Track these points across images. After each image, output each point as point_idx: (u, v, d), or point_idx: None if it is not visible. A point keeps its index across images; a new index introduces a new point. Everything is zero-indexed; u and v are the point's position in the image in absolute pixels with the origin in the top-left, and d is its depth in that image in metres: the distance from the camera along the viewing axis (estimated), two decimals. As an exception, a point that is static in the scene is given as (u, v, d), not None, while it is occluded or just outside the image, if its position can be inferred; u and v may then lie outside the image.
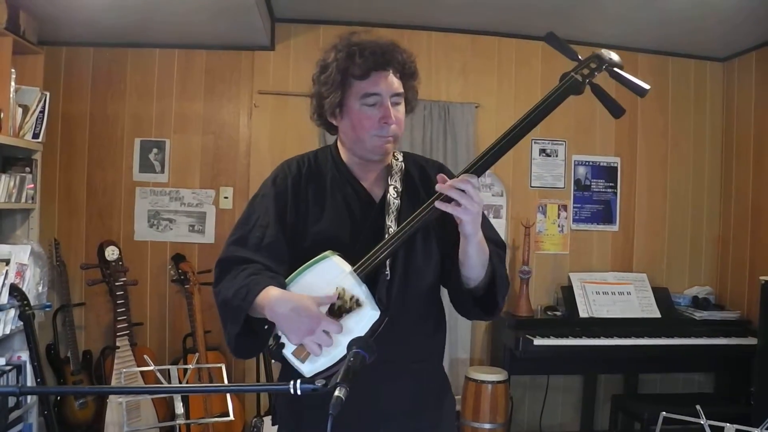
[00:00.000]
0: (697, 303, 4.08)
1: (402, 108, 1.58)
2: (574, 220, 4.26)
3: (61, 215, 3.95)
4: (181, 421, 2.70)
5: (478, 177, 1.40)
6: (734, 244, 4.23)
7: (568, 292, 3.98)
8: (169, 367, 2.81)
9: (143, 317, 3.97)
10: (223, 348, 4.00)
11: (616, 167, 4.30)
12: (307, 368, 1.36)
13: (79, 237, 3.96)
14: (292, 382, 1.08)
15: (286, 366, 1.47)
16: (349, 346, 1.20)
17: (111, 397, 3.47)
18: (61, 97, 3.89)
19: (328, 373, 1.32)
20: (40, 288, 3.29)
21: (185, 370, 2.74)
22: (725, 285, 4.28)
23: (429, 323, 1.62)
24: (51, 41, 3.76)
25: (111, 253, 3.71)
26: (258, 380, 3.86)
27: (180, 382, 2.90)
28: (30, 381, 3.08)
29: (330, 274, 1.40)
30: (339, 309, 1.36)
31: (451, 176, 1.46)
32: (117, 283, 3.66)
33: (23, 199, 3.31)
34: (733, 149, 4.26)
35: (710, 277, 4.36)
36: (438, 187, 1.38)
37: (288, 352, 1.39)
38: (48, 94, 3.42)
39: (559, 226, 4.24)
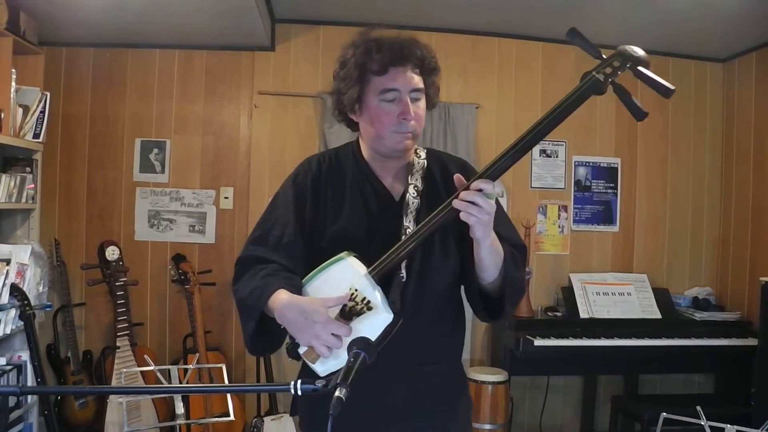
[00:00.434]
0: (698, 304, 4.08)
1: (422, 104, 1.57)
2: (575, 221, 4.26)
3: (62, 215, 3.95)
4: (181, 421, 2.70)
5: (494, 181, 1.38)
6: (734, 244, 4.23)
7: (568, 292, 3.98)
8: (170, 367, 2.81)
9: (143, 317, 3.97)
10: (223, 348, 4.00)
11: (617, 168, 4.30)
12: (320, 368, 1.36)
13: (79, 237, 3.96)
14: (292, 383, 1.08)
15: (304, 363, 1.47)
16: (350, 347, 1.20)
17: (111, 397, 3.47)
18: (61, 97, 3.89)
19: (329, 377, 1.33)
20: (41, 288, 3.29)
21: (185, 370, 2.74)
22: (725, 286, 4.28)
23: (445, 324, 1.61)
24: (51, 42, 3.76)
25: (111, 253, 3.71)
26: (258, 380, 3.86)
27: (180, 382, 2.90)
28: (30, 381, 3.08)
29: (345, 276, 1.40)
30: (350, 311, 1.36)
31: (470, 177, 1.43)
32: (117, 284, 3.66)
33: (24, 199, 3.32)
34: (734, 150, 4.26)
35: (710, 277, 4.36)
36: (455, 203, 1.37)
37: (302, 351, 1.40)
38: (48, 94, 3.42)
39: (559, 226, 4.24)
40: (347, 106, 1.57)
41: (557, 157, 4.23)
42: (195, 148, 4.06)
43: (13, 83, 3.14)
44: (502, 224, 1.51)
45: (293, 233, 1.54)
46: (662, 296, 4.02)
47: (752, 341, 3.64)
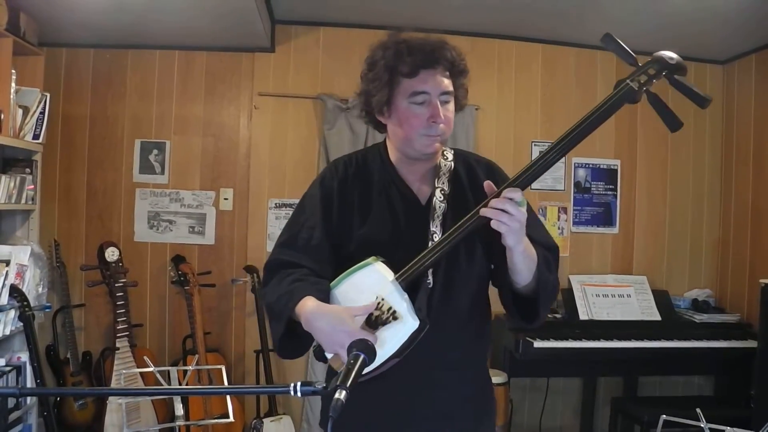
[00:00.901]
0: (697, 306, 4.08)
1: (451, 107, 1.56)
2: (574, 223, 4.26)
3: (61, 216, 3.95)
4: (180, 422, 2.70)
5: (522, 189, 1.38)
6: (734, 246, 4.23)
7: (568, 294, 3.97)
8: (169, 368, 2.81)
9: (143, 318, 3.97)
10: (222, 349, 4.00)
11: (616, 170, 4.30)
12: None
13: (79, 238, 3.96)
14: (292, 385, 1.08)
15: (330, 366, 1.48)
16: (349, 349, 1.20)
17: (111, 398, 3.47)
18: (61, 98, 3.89)
19: (363, 379, 1.33)
20: (40, 289, 3.29)
21: (185, 371, 2.74)
22: (725, 288, 4.28)
23: (471, 330, 1.60)
24: (51, 42, 3.76)
25: (111, 254, 3.71)
26: (257, 382, 3.86)
27: (180, 384, 2.90)
28: (30, 382, 3.08)
29: (372, 281, 1.40)
30: (376, 320, 1.36)
31: (498, 180, 1.43)
32: (117, 285, 3.66)
33: (23, 200, 3.32)
34: (733, 151, 4.26)
35: (710, 279, 4.36)
36: (482, 212, 1.37)
37: (329, 356, 1.41)
38: (48, 95, 3.42)
39: (559, 228, 4.24)
40: (375, 107, 1.57)
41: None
42: (195, 150, 4.06)
43: (13, 84, 3.14)
44: (533, 227, 1.49)
45: (321, 236, 1.54)
46: (662, 298, 4.02)
47: (752, 343, 3.64)
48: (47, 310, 3.33)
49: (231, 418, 2.73)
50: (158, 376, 2.55)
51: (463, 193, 1.59)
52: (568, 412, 4.24)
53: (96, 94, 3.98)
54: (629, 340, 3.67)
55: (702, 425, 2.16)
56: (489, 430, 1.67)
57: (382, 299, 1.36)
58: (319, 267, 1.51)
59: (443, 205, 1.55)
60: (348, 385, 1.06)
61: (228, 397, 2.85)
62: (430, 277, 1.49)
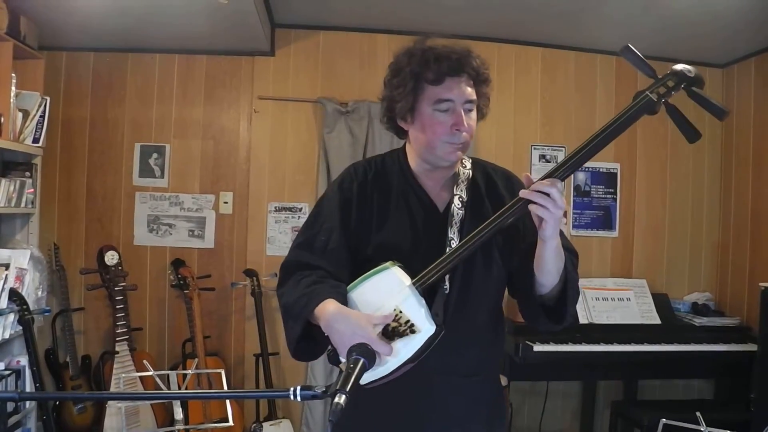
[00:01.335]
0: (697, 309, 4.07)
1: (474, 115, 1.57)
2: (574, 226, 4.26)
3: (61, 220, 3.95)
4: (180, 426, 2.70)
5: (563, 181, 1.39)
6: (734, 250, 4.23)
7: (567, 297, 3.96)
8: (169, 372, 2.81)
9: (142, 322, 3.96)
10: (222, 353, 4.00)
11: (616, 173, 4.30)
12: None
13: (78, 242, 3.96)
14: (292, 389, 1.08)
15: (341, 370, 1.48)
16: (349, 352, 1.20)
17: (110, 402, 3.46)
18: (61, 101, 3.89)
19: (370, 386, 1.34)
20: (40, 292, 3.29)
21: (184, 375, 2.74)
22: (725, 291, 4.28)
23: (486, 336, 1.61)
24: (51, 46, 3.77)
25: (110, 257, 3.71)
26: (257, 386, 3.86)
27: (179, 388, 2.89)
28: (29, 386, 3.08)
29: (389, 286, 1.40)
30: (393, 331, 1.36)
31: (516, 189, 1.43)
32: (116, 288, 3.66)
33: (23, 204, 3.32)
34: (733, 155, 4.26)
35: (710, 283, 4.36)
36: (522, 192, 1.37)
37: (342, 360, 1.40)
38: (48, 98, 3.42)
39: (558, 231, 4.23)
40: (398, 113, 1.57)
41: (557, 162, 4.23)
42: (194, 153, 4.06)
43: (13, 88, 3.14)
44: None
45: (338, 240, 1.55)
46: (661, 301, 4.01)
47: (752, 347, 3.64)
48: (46, 313, 3.33)
49: (230, 422, 2.72)
50: (158, 379, 2.55)
51: (481, 201, 1.60)
52: (568, 416, 4.23)
53: (96, 98, 3.99)
54: (629, 343, 3.66)
55: (702, 429, 2.16)
56: None
57: (400, 312, 1.36)
58: (335, 270, 1.51)
59: (461, 212, 1.56)
60: (348, 389, 1.06)
61: (227, 401, 2.85)
62: (447, 283, 1.49)
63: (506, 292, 1.68)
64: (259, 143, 4.08)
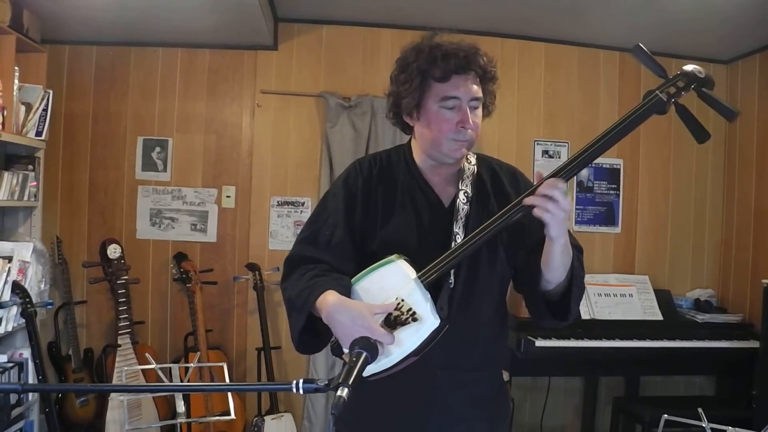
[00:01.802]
0: (699, 305, 4.07)
1: (479, 112, 1.57)
2: (577, 222, 4.25)
3: (64, 213, 3.95)
4: (182, 419, 2.70)
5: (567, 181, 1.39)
6: (737, 246, 4.22)
7: (570, 293, 3.96)
8: (171, 365, 2.81)
9: (145, 316, 3.97)
10: (224, 347, 4.01)
11: (619, 169, 4.29)
12: None
13: (81, 235, 3.96)
14: (294, 382, 1.08)
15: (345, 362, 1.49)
16: (352, 346, 1.20)
17: (112, 395, 3.47)
18: (64, 95, 3.89)
19: (374, 379, 1.33)
20: (42, 286, 3.30)
21: (186, 368, 2.74)
22: (727, 288, 4.27)
23: (490, 332, 1.61)
24: (54, 39, 3.77)
25: (113, 251, 3.71)
26: (259, 379, 3.87)
27: (181, 381, 2.90)
28: (32, 378, 3.09)
29: (394, 279, 1.40)
30: (395, 320, 1.36)
31: (522, 185, 1.44)
32: (119, 282, 3.66)
33: (26, 197, 3.32)
34: (736, 151, 4.25)
35: (712, 279, 4.35)
36: (528, 200, 1.37)
37: (345, 351, 1.40)
38: (51, 92, 3.42)
39: (561, 227, 4.22)
40: (404, 110, 1.57)
41: (560, 158, 4.22)
42: (197, 147, 4.06)
43: (16, 81, 3.14)
44: None
45: (342, 234, 1.55)
46: (664, 298, 4.01)
47: (754, 343, 3.64)
48: (49, 306, 3.33)
49: (232, 416, 2.73)
50: (160, 373, 2.56)
51: (486, 197, 1.60)
52: (570, 412, 4.23)
53: (99, 92, 3.99)
54: (631, 339, 3.66)
55: (704, 425, 2.16)
56: (503, 430, 1.68)
57: (402, 300, 1.36)
58: (339, 264, 1.51)
59: (466, 207, 1.56)
60: (350, 382, 1.05)
61: (229, 395, 2.86)
62: (452, 278, 1.49)
63: (509, 288, 1.68)
64: (262, 137, 4.07)
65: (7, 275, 2.91)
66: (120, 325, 3.62)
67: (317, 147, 4.04)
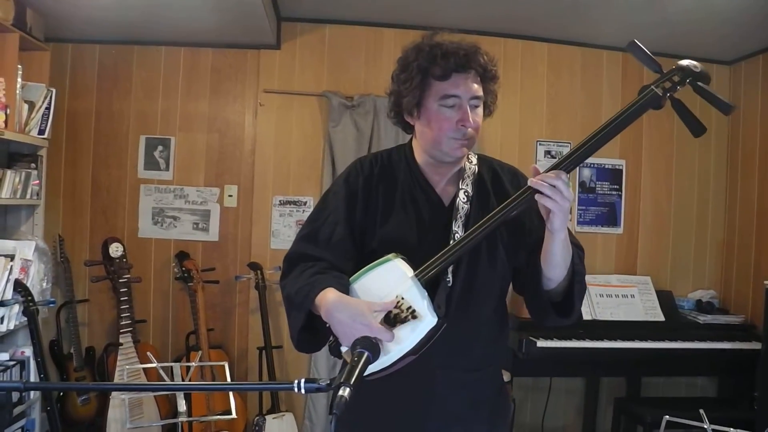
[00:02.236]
0: (701, 306, 4.06)
1: (480, 111, 1.58)
2: (579, 222, 4.25)
3: (66, 212, 3.96)
4: (183, 418, 2.71)
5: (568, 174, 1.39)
6: (739, 247, 4.21)
7: (571, 294, 3.95)
8: (172, 364, 2.82)
9: (146, 314, 3.98)
10: (225, 346, 4.01)
11: (621, 170, 4.29)
12: None
13: (83, 233, 3.97)
14: (296, 381, 1.08)
15: (344, 361, 1.48)
16: (353, 346, 1.20)
17: (113, 393, 3.48)
18: (66, 93, 3.90)
19: (372, 378, 1.33)
20: (44, 284, 3.30)
21: (188, 367, 2.74)
22: (729, 289, 4.26)
23: (490, 331, 1.61)
24: (57, 38, 3.77)
25: (115, 250, 3.72)
26: (260, 378, 3.87)
27: (183, 380, 2.90)
28: (33, 377, 3.09)
29: (392, 277, 1.40)
30: (395, 318, 1.36)
31: (522, 184, 1.43)
32: (121, 280, 3.67)
33: (28, 195, 3.32)
34: (739, 152, 4.24)
35: (714, 280, 4.35)
36: (531, 181, 1.37)
37: (344, 350, 1.40)
38: (54, 90, 3.43)
39: (563, 227, 4.22)
40: (405, 108, 1.58)
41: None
42: (200, 146, 4.06)
43: (19, 79, 3.15)
44: None
45: (342, 233, 1.55)
46: (666, 299, 4.00)
47: (756, 345, 3.63)
48: (51, 305, 3.34)
49: (233, 415, 2.74)
50: (161, 371, 2.56)
51: (487, 196, 1.60)
52: (571, 412, 4.23)
53: (101, 90, 3.99)
54: (633, 340, 3.66)
55: (705, 426, 2.16)
56: (503, 430, 1.68)
57: (402, 298, 1.36)
58: (339, 262, 1.52)
59: (466, 206, 1.56)
60: (352, 382, 1.05)
61: (231, 394, 2.86)
62: (450, 276, 1.49)
63: (510, 289, 1.68)
64: (265, 137, 4.07)
65: (9, 273, 2.91)
66: (122, 323, 3.63)
67: (320, 146, 4.04)
